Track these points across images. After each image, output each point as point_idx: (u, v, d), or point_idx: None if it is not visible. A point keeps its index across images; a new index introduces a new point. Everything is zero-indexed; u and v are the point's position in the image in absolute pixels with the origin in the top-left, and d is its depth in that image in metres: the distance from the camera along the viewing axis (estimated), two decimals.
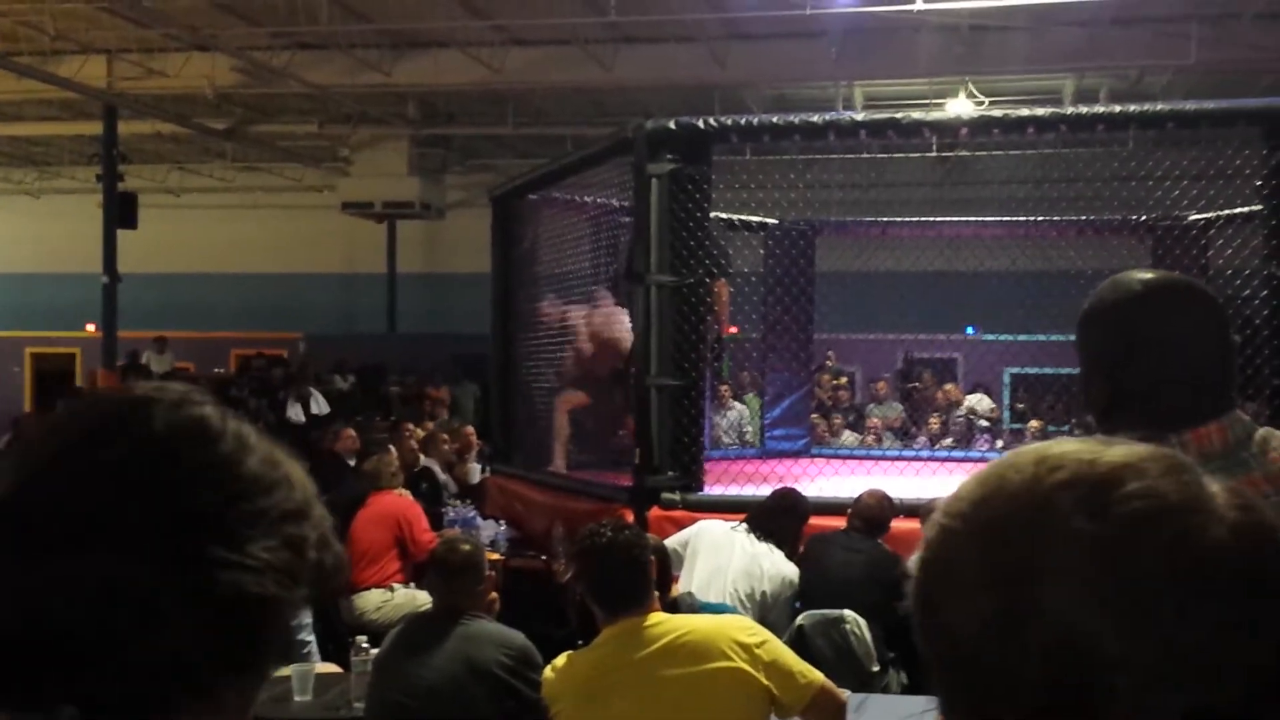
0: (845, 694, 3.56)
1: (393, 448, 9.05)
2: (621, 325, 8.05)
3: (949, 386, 13.97)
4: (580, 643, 4.85)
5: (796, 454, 10.50)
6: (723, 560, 5.95)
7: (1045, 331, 14.01)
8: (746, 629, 3.40)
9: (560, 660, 3.49)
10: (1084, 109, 8.00)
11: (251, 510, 0.91)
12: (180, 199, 21.87)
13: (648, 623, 3.37)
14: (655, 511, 6.87)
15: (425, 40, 14.86)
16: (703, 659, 3.28)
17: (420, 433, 10.94)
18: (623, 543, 3.47)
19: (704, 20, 13.32)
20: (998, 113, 7.28)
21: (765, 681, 3.27)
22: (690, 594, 5.46)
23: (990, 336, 14.79)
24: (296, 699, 4.60)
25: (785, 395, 10.78)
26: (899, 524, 6.44)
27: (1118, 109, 7.07)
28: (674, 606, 4.41)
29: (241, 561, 0.89)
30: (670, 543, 5.88)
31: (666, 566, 4.69)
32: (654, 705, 3.28)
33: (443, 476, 9.93)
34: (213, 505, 0.89)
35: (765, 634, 3.42)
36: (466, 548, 4.20)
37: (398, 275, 21.77)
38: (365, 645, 4.55)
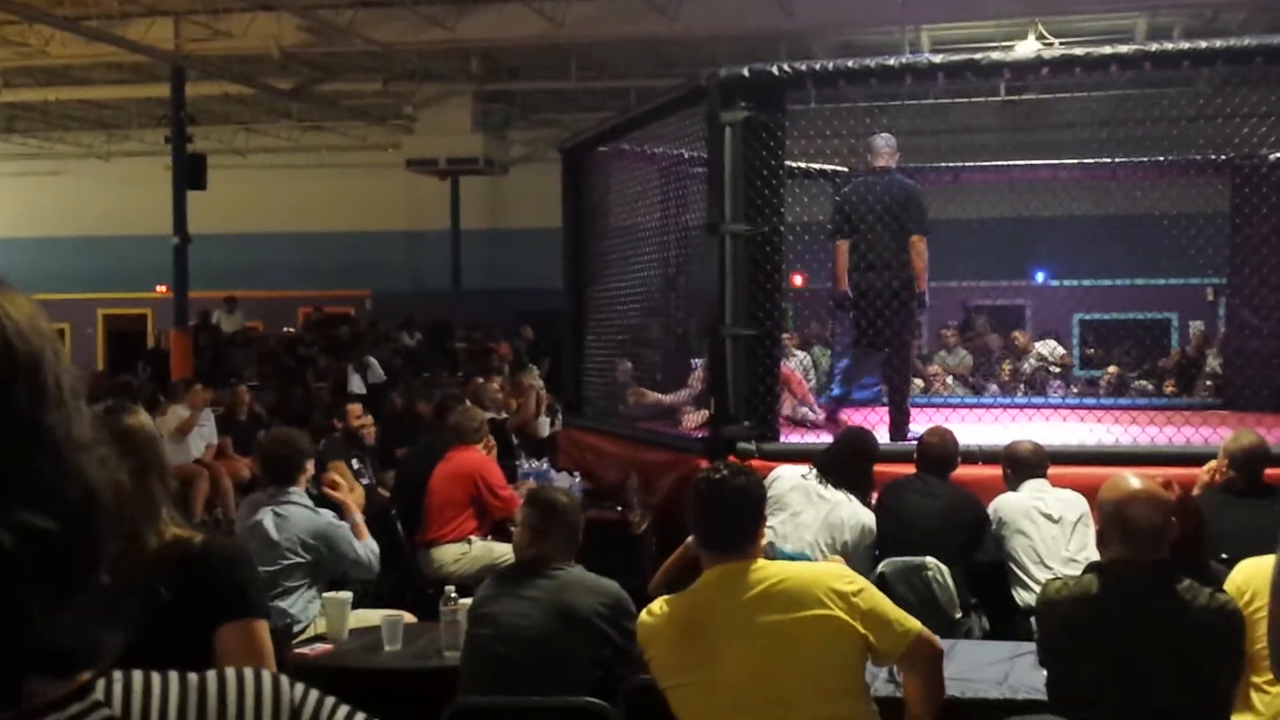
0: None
1: (469, 402, 9.10)
2: None
3: (1017, 334, 13.82)
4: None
5: (868, 402, 10.45)
6: (798, 510, 5.93)
7: (1117, 276, 13.85)
8: (844, 577, 3.38)
9: (657, 605, 3.49)
10: (1169, 45, 7.82)
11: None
12: (247, 159, 22.04)
13: (750, 568, 3.36)
14: (731, 462, 6.84)
15: None
16: (799, 606, 3.27)
17: (494, 386, 11.01)
18: (739, 484, 3.46)
19: None
20: (1080, 51, 7.08)
21: (862, 630, 3.26)
22: (771, 544, 5.45)
23: (1069, 282, 14.58)
24: (386, 648, 4.65)
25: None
26: (978, 470, 6.40)
27: (1204, 44, 6.88)
28: None
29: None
30: None
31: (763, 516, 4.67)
32: (750, 651, 3.28)
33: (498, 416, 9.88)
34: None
35: (862, 582, 3.40)
36: (565, 499, 4.21)
37: (462, 232, 21.85)
38: (455, 595, 4.58)
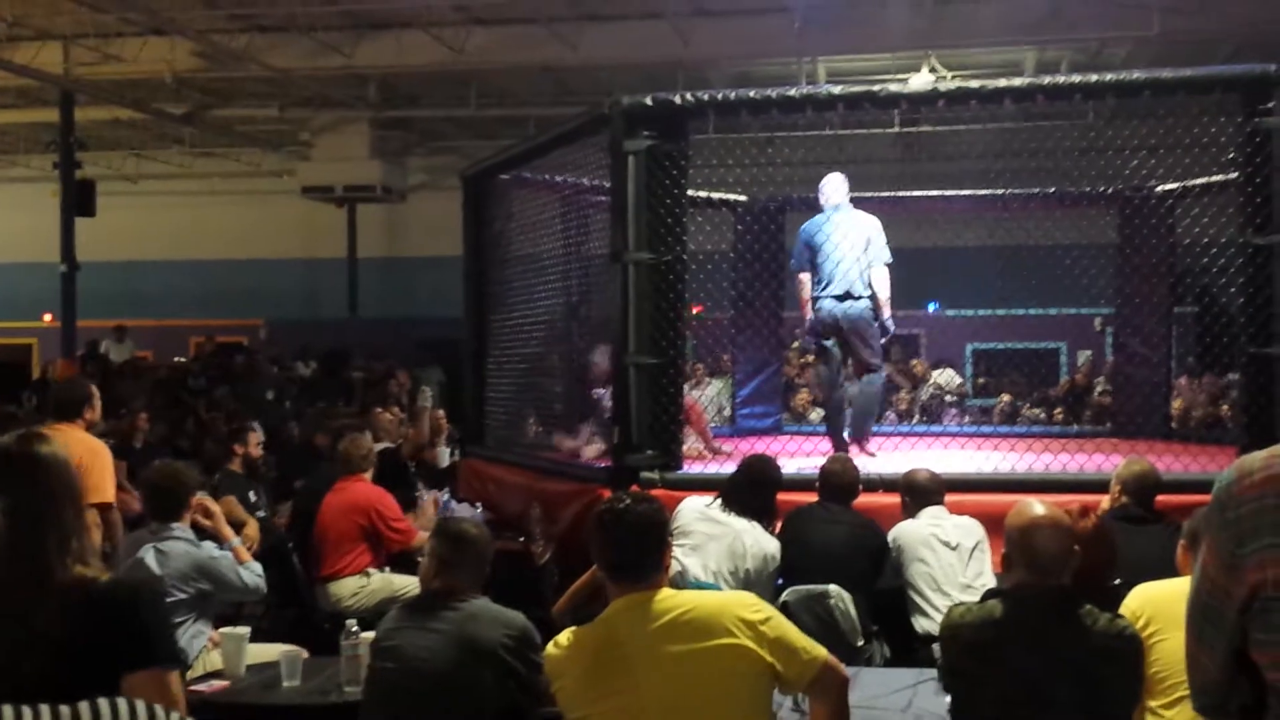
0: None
1: (367, 432, 8.96)
2: None
3: (915, 362, 14.02)
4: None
5: (767, 431, 10.53)
6: (702, 539, 5.94)
7: (1009, 306, 14.10)
8: (751, 606, 3.37)
9: (564, 636, 3.46)
10: (1061, 78, 8.01)
11: None
12: (138, 186, 21.64)
13: (656, 597, 3.34)
14: (634, 491, 6.83)
15: (386, 21, 14.75)
16: (706, 635, 3.26)
17: (388, 416, 10.87)
18: (642, 513, 3.44)
19: None
20: (975, 83, 7.24)
21: (769, 659, 3.26)
22: (681, 573, 5.44)
23: (963, 312, 14.82)
24: (285, 684, 4.55)
25: (756, 373, 10.78)
26: (877, 498, 6.46)
27: (1094, 78, 7.06)
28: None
29: None
30: None
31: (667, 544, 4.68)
32: (658, 680, 3.26)
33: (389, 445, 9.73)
34: None
35: (769, 610, 3.39)
36: (475, 531, 4.17)
37: (359, 260, 21.64)
38: (356, 629, 4.50)
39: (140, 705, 0.96)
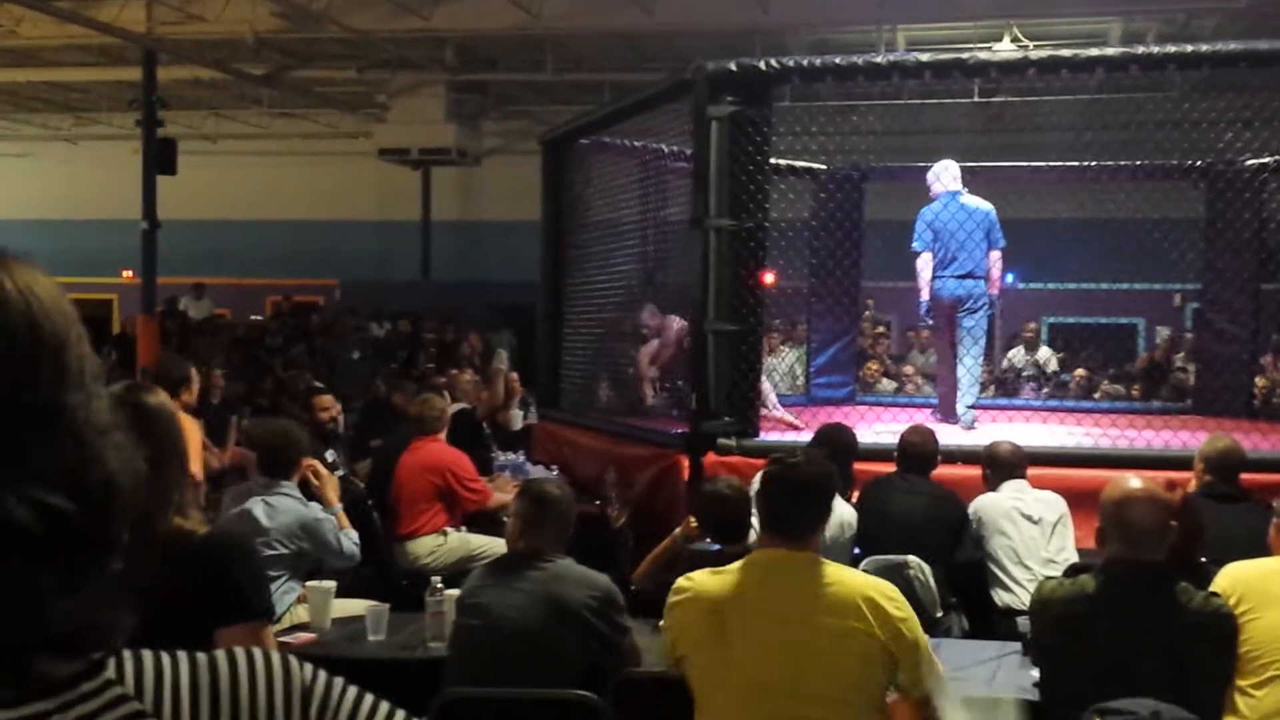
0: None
1: (445, 393, 9.02)
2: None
3: (1027, 324, 13.83)
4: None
5: (841, 401, 10.48)
6: None
7: (1085, 280, 13.91)
8: (894, 601, 3.32)
9: (700, 573, 3.46)
10: (1154, 48, 7.87)
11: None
12: (217, 145, 21.83)
13: (802, 560, 3.35)
14: (710, 457, 6.84)
15: None
16: (840, 613, 3.24)
17: (465, 377, 10.95)
18: (808, 473, 3.46)
19: None
20: (1066, 52, 7.13)
21: (894, 654, 3.24)
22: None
23: (1036, 285, 14.64)
24: (370, 638, 4.61)
25: (831, 343, 10.72)
26: (958, 470, 6.42)
27: (1189, 48, 6.94)
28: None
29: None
30: None
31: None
32: (778, 639, 3.25)
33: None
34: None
35: (910, 611, 3.36)
36: (558, 492, 4.19)
37: (432, 223, 21.74)
38: (440, 585, 4.55)
39: (275, 656, 0.98)
